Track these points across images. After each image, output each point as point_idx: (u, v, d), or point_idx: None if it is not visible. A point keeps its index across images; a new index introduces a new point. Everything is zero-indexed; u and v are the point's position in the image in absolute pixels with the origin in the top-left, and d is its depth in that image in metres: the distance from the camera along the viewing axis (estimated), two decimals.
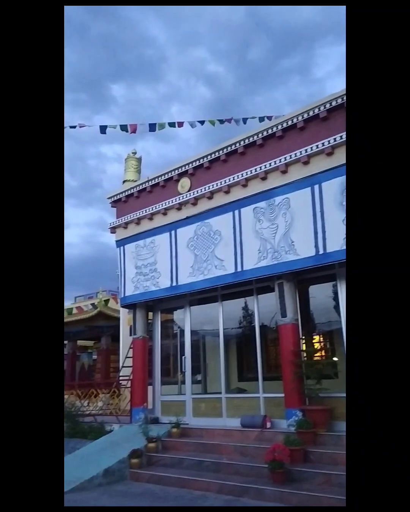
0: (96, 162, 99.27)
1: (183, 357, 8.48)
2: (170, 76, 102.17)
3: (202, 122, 10.76)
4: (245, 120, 10.70)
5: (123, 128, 10.14)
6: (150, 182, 9.12)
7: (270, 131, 7.34)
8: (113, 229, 9.85)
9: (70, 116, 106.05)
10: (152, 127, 10.25)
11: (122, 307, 9.67)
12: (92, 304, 14.82)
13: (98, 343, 17.09)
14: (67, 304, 17.28)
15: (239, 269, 7.37)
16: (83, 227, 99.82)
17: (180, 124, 10.61)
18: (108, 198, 9.99)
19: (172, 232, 8.56)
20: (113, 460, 6.64)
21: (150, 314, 9.51)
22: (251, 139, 7.54)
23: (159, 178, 8.93)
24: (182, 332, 8.88)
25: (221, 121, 10.80)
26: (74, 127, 10.38)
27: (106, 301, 14.37)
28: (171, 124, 10.54)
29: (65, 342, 19.02)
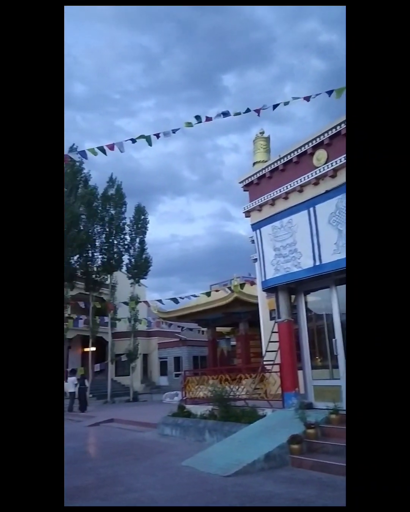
0: (214, 154, 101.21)
1: (334, 339, 7.98)
2: (280, 55, 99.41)
3: (329, 92, 9.99)
4: None
5: (246, 110, 9.86)
6: (282, 160, 8.71)
7: None
8: (247, 213, 9.66)
9: (186, 114, 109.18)
10: (274, 107, 9.80)
11: (263, 290, 9.45)
12: (229, 288, 14.94)
13: (236, 329, 17.23)
14: (202, 293, 17.67)
15: None
16: (207, 219, 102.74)
17: (307, 99, 9.98)
18: (240, 182, 9.81)
19: (311, 209, 8.05)
20: (273, 445, 6.47)
21: (293, 297, 9.15)
22: None
23: (292, 154, 8.47)
24: (326, 315, 8.37)
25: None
26: (191, 123, 10.39)
27: (242, 285, 14.35)
28: (295, 98, 9.97)
29: (204, 329, 19.60)
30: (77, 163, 21.94)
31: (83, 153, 10.55)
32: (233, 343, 19.86)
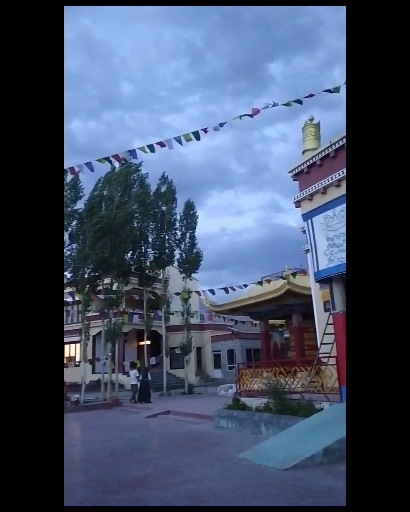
0: (261, 145, 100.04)
1: None
2: (329, 38, 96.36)
3: None
4: None
5: (297, 101, 9.58)
6: (333, 147, 8.43)
7: None
8: (298, 203, 9.45)
9: (232, 106, 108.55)
10: (328, 90, 9.46)
11: (317, 282, 9.23)
12: (281, 277, 14.78)
13: (289, 321, 16.99)
14: (254, 284, 17.56)
15: None
16: (257, 211, 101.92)
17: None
18: (289, 171, 9.60)
19: None
20: (331, 439, 6.31)
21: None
22: None
23: (343, 139, 8.17)
24: None
25: None
26: (240, 117, 10.24)
27: (294, 274, 14.13)
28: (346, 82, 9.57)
29: (257, 321, 19.48)
30: (133, 164, 22.34)
31: (133, 153, 10.69)
32: (286, 335, 19.62)
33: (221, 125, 10.41)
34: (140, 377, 18.40)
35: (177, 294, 21.62)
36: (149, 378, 19.21)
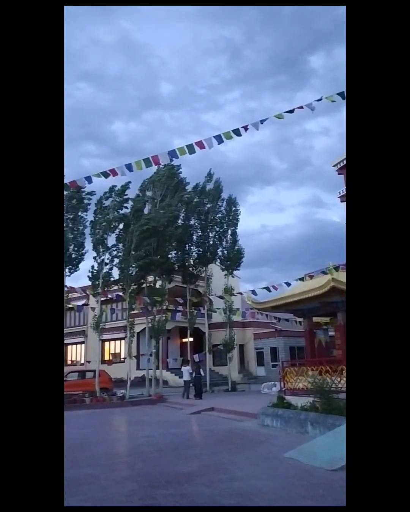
0: (302, 140, 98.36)
1: None
2: None
3: None
4: None
5: (340, 94, 9.32)
6: None
7: None
8: (343, 198, 9.21)
9: (271, 101, 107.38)
10: None
11: None
12: (322, 272, 14.47)
13: (334, 319, 16.60)
14: (296, 281, 17.27)
15: None
16: (298, 207, 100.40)
17: None
18: (334, 165, 9.37)
19: None
20: None
21: None
22: None
23: None
24: None
25: None
26: (281, 115, 10.08)
27: (336, 267, 13.79)
28: None
29: (300, 319, 19.17)
30: (175, 166, 22.55)
31: (173, 153, 10.73)
32: (331, 333, 19.19)
33: (262, 121, 10.29)
34: (194, 374, 18.72)
35: (220, 297, 21.68)
36: (202, 374, 19.53)
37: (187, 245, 23.87)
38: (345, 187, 9.07)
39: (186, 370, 18.95)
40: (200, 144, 10.58)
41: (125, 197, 20.31)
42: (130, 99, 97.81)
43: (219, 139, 10.65)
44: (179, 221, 22.99)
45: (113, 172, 11.23)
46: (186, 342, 25.24)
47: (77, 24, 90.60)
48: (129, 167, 10.60)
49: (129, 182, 20.41)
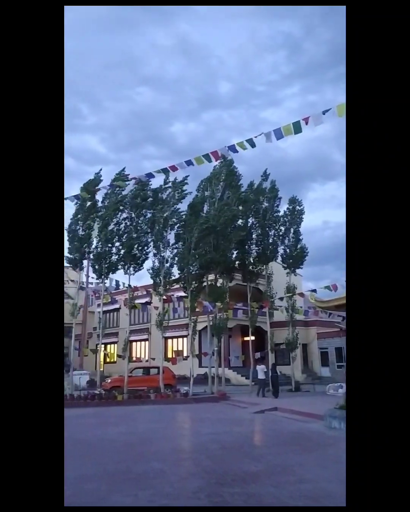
0: None
1: None
2: None
3: None
4: None
5: None
6: None
7: None
8: None
9: (332, 93, 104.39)
10: None
11: None
12: None
13: None
14: None
15: None
16: None
17: None
18: None
19: None
20: None
21: None
22: None
23: None
24: None
25: None
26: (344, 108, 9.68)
27: None
28: None
29: None
30: (232, 164, 22.56)
31: (232, 148, 10.70)
32: None
33: (324, 112, 9.98)
34: (269, 373, 18.83)
35: (281, 299, 21.38)
36: (279, 373, 19.49)
37: (247, 243, 23.74)
38: None
39: (261, 369, 19.13)
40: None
41: (184, 191, 20.41)
42: (189, 100, 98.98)
43: (279, 133, 10.46)
44: (239, 221, 22.90)
45: (173, 168, 11.37)
46: (248, 341, 25.13)
47: (138, 30, 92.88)
48: (189, 162, 10.68)
49: (187, 176, 20.50)
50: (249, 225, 23.78)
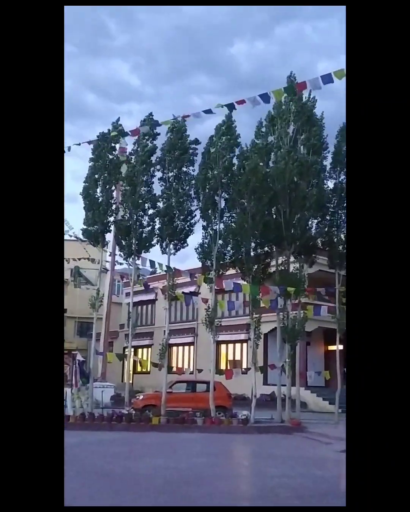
0: None
1: None
2: None
3: None
4: None
5: None
6: None
7: None
8: None
9: None
10: None
11: None
12: None
13: None
14: None
15: None
16: None
17: None
18: None
19: None
20: None
21: None
22: None
23: None
24: None
25: None
26: None
27: None
28: None
29: None
30: (311, 100, 21.32)
31: (328, 77, 10.27)
32: None
33: None
34: None
35: None
36: None
37: (335, 213, 22.52)
38: None
39: None
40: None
41: (237, 138, 19.81)
42: (257, 11, 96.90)
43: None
44: (316, 179, 21.28)
45: (241, 102, 11.04)
46: (333, 351, 24.88)
47: None
48: (264, 97, 10.45)
49: (232, 119, 19.67)
50: (337, 185, 22.61)
